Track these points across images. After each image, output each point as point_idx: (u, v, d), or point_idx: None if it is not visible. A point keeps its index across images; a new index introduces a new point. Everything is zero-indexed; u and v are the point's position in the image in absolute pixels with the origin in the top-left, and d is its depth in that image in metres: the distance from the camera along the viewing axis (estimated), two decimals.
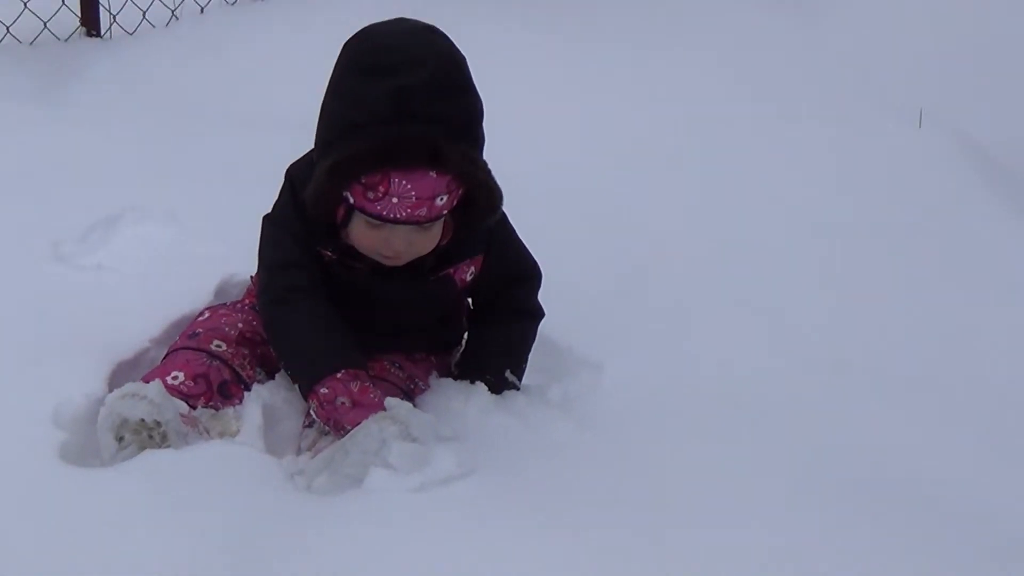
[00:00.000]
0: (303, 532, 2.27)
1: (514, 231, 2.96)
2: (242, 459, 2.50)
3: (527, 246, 2.99)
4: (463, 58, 2.62)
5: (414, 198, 2.57)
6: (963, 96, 5.52)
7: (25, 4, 4.94)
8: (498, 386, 2.87)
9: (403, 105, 2.52)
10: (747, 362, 3.17)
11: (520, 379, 2.93)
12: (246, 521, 2.30)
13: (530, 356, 2.97)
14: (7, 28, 4.81)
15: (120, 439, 2.51)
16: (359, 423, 2.55)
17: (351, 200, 2.62)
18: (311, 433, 2.69)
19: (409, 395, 2.79)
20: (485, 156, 2.66)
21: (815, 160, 4.62)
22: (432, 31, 2.64)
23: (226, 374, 2.76)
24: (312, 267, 2.79)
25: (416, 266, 2.78)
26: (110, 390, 2.63)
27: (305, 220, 2.74)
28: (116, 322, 2.94)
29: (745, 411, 2.91)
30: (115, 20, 5.10)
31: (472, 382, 2.86)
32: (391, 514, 2.33)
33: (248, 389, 2.79)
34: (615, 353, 3.05)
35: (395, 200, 2.57)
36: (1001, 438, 3.03)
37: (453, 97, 2.58)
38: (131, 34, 5.08)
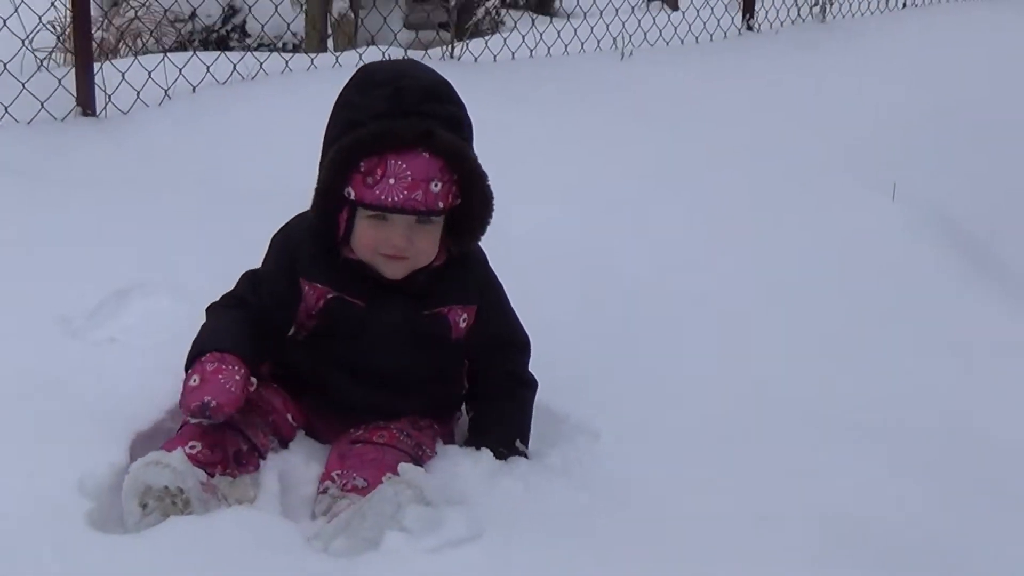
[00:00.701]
0: None
1: (507, 299, 3.16)
2: (261, 524, 2.61)
3: (519, 319, 3.17)
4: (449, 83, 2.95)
5: (409, 178, 2.80)
6: (934, 169, 5.69)
7: (23, 85, 5.05)
8: (509, 456, 2.98)
9: (399, 103, 2.82)
10: (737, 424, 3.30)
11: (527, 447, 3.05)
12: None
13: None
14: (5, 108, 4.91)
15: (144, 506, 2.61)
16: (196, 401, 2.72)
17: (352, 195, 2.84)
18: (326, 499, 2.79)
19: (418, 461, 2.90)
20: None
21: (791, 231, 4.76)
22: (429, 68, 3.00)
23: (240, 443, 2.87)
24: (255, 309, 2.99)
25: (411, 297, 2.96)
26: (132, 460, 2.73)
27: (292, 266, 2.99)
28: (132, 394, 3.03)
29: (738, 470, 3.03)
30: (110, 99, 5.20)
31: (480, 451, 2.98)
32: (407, 575, 2.45)
33: (263, 457, 2.90)
34: (610, 420, 3.17)
35: (392, 181, 2.80)
36: (976, 491, 3.15)
37: (444, 102, 2.89)
38: (125, 113, 5.19)
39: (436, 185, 2.83)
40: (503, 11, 12.02)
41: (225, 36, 9.62)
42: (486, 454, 2.95)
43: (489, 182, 2.94)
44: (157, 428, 2.98)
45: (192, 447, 2.79)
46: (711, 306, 4.04)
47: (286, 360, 3.09)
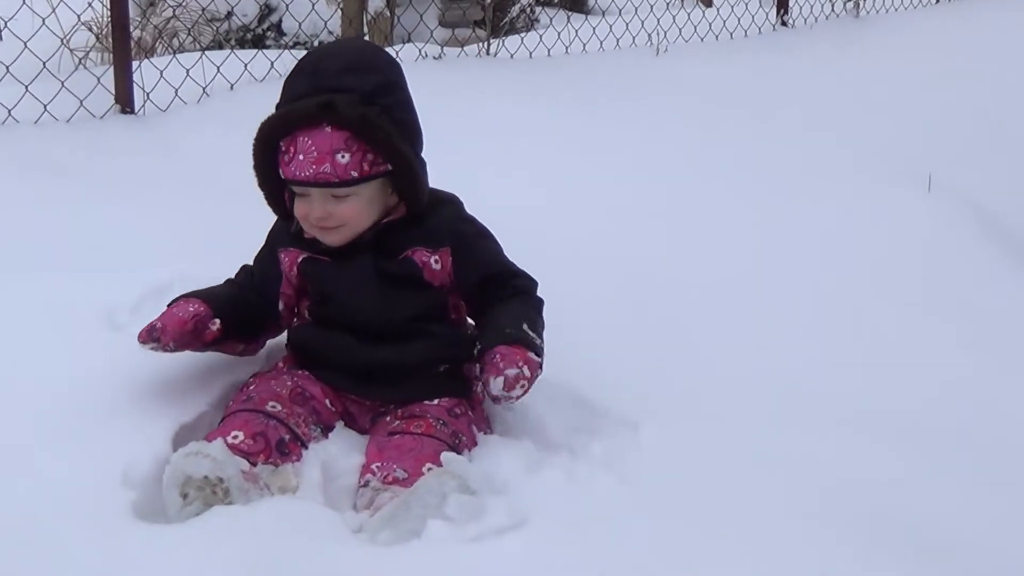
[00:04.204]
0: None
1: (493, 241, 3.17)
2: (303, 514, 2.63)
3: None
4: (388, 56, 3.09)
5: (315, 153, 2.89)
6: (970, 161, 5.67)
7: (63, 83, 5.10)
8: (523, 339, 2.90)
9: (316, 82, 2.94)
10: (777, 418, 3.30)
11: (541, 340, 2.96)
12: (311, 573, 2.42)
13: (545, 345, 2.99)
14: (45, 106, 4.96)
15: (185, 496, 2.64)
16: (146, 328, 2.90)
17: (283, 175, 2.98)
18: (367, 492, 2.79)
19: (456, 450, 2.91)
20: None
21: (827, 223, 4.76)
22: (367, 43, 3.14)
23: (283, 432, 2.89)
24: (244, 287, 3.20)
25: (372, 247, 3.04)
26: (175, 451, 2.75)
27: (271, 241, 3.19)
28: (175, 387, 3.06)
29: (778, 465, 3.01)
30: (148, 97, 5.25)
31: (490, 348, 2.90)
32: (450, 564, 2.45)
33: (305, 447, 2.92)
34: (650, 413, 3.16)
35: (301, 157, 2.90)
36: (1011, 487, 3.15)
37: (365, 73, 2.96)
38: (164, 111, 5.24)
39: (343, 156, 2.91)
40: (538, 8, 12.03)
41: (261, 35, 9.67)
42: (527, 446, 2.94)
43: (398, 142, 2.95)
44: (200, 420, 3.01)
45: (234, 436, 2.82)
46: (747, 300, 4.04)
47: (306, 347, 3.16)
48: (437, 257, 3.07)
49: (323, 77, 2.95)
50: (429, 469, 2.78)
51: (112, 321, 3.40)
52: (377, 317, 3.06)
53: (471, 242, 3.11)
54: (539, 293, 3.14)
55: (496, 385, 2.80)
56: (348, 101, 2.90)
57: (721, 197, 4.92)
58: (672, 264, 4.20)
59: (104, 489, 2.66)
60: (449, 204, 3.17)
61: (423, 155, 3.08)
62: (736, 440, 3.12)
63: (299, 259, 3.11)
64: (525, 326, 2.95)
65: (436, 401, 3.05)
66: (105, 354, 3.19)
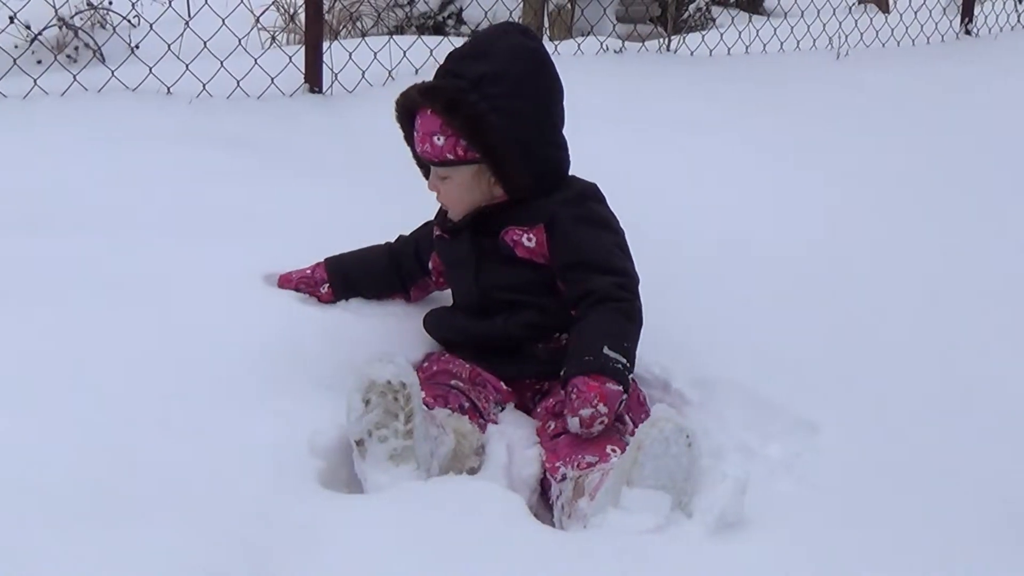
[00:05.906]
0: (548, 566, 2.43)
1: (599, 226, 3.14)
2: (488, 494, 2.67)
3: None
4: (516, 43, 3.13)
5: (420, 133, 3.13)
6: None
7: (255, 60, 5.24)
8: (601, 367, 2.88)
9: (445, 65, 3.15)
10: (956, 426, 3.22)
11: (627, 360, 2.94)
12: (490, 554, 2.45)
13: (637, 348, 3.01)
14: (238, 82, 5.10)
15: (367, 402, 2.68)
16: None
17: None
18: (568, 484, 2.77)
19: (622, 436, 2.92)
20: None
21: (1010, 241, 4.68)
22: (511, 26, 3.33)
23: (463, 400, 2.98)
24: (407, 241, 3.50)
25: (476, 227, 3.17)
26: None
27: (437, 215, 3.35)
28: (358, 360, 3.12)
29: (959, 474, 2.97)
30: (336, 78, 5.36)
31: (571, 375, 2.90)
32: (623, 553, 2.46)
33: (483, 418, 2.98)
34: (830, 414, 3.14)
35: (416, 134, 3.16)
36: None
37: (482, 60, 3.08)
38: (350, 92, 5.34)
39: (439, 139, 3.09)
40: (715, 8, 11.97)
41: (442, 23, 9.78)
42: (695, 444, 2.91)
43: (489, 131, 3.04)
44: None
45: None
46: (927, 303, 3.97)
47: (434, 329, 3.31)
48: (531, 235, 3.10)
49: (450, 60, 3.14)
50: (613, 450, 2.80)
51: (302, 296, 3.46)
52: (475, 290, 3.18)
53: (567, 223, 3.09)
54: (639, 293, 3.09)
55: (573, 424, 2.85)
56: (446, 88, 3.08)
57: (900, 202, 4.85)
58: (854, 266, 4.13)
59: (292, 456, 2.72)
60: (567, 188, 3.18)
61: (559, 143, 3.20)
62: (917, 446, 3.06)
63: (436, 234, 3.31)
64: (606, 348, 2.91)
65: None
66: (293, 325, 3.28)
